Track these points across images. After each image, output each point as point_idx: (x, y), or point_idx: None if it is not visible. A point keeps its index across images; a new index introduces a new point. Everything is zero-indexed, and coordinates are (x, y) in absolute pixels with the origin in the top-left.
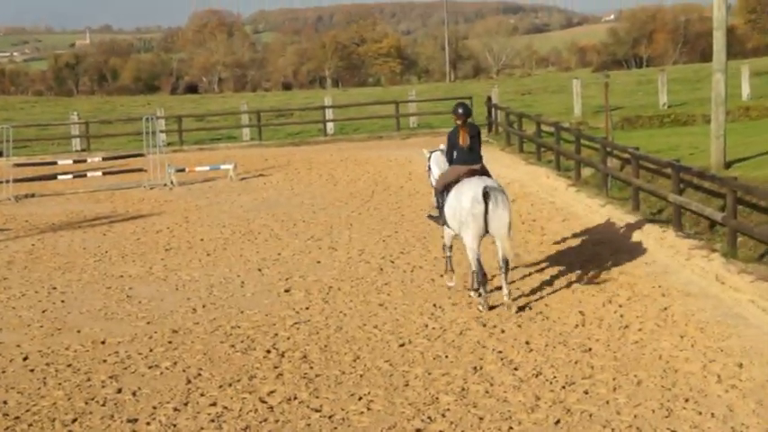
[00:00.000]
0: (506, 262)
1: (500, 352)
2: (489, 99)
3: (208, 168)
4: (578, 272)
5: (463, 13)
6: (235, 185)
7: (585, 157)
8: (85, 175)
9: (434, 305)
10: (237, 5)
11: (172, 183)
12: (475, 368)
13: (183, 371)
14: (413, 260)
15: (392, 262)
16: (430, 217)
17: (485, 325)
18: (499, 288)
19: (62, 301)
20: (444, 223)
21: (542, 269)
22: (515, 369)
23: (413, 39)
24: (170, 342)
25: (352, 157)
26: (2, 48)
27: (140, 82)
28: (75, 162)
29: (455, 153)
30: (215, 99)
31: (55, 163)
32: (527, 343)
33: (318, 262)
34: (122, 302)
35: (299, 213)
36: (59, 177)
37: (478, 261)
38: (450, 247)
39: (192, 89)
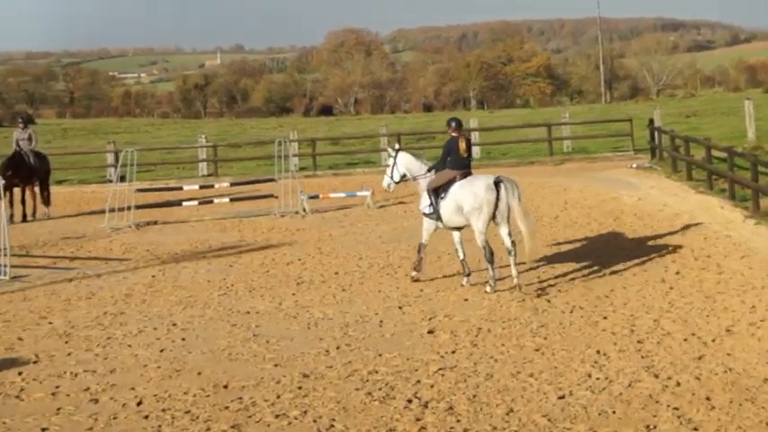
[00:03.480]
0: (513, 247)
1: (676, 409)
2: (651, 122)
3: (343, 195)
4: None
5: (618, 30)
6: (372, 214)
7: (764, 186)
8: (212, 202)
9: (598, 352)
10: (376, 24)
11: (304, 210)
12: (647, 427)
13: (314, 421)
14: (572, 299)
15: (548, 301)
16: (425, 214)
17: (657, 376)
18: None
19: (182, 339)
20: (438, 218)
21: (720, 312)
22: (695, 429)
23: (564, 58)
24: (299, 388)
25: None
26: (130, 69)
27: (272, 104)
28: (201, 188)
29: (449, 160)
30: (351, 121)
31: (180, 188)
32: (708, 399)
33: (466, 300)
34: (248, 342)
35: (444, 245)
36: (184, 204)
37: (488, 243)
38: (426, 245)
39: (327, 111)
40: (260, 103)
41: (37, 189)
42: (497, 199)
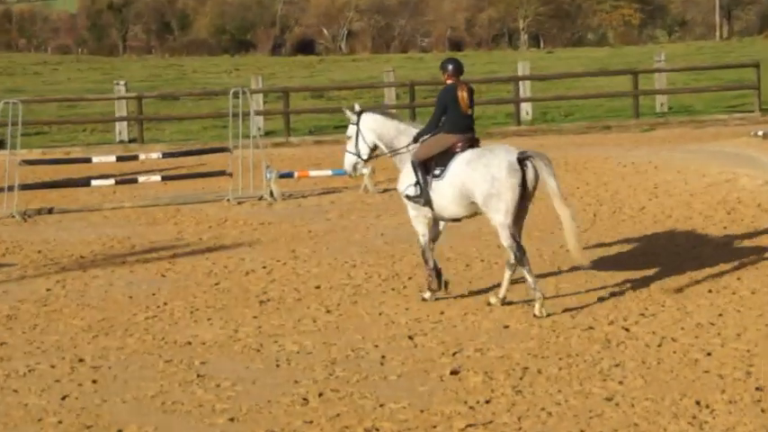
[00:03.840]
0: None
1: None
2: None
3: (329, 173)
4: None
5: None
6: (372, 201)
7: None
8: (136, 181)
9: (698, 403)
10: None
11: (272, 195)
12: None
13: None
14: (661, 327)
15: (626, 330)
16: (408, 197)
17: None
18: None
19: (93, 382)
20: (428, 203)
21: None
22: None
23: None
24: None
25: (561, 157)
26: None
27: (224, 35)
28: (119, 159)
29: (445, 119)
30: (342, 64)
31: (88, 160)
32: None
33: (506, 327)
34: (190, 385)
35: (475, 246)
36: (93, 183)
37: (516, 239)
38: (433, 247)
39: (307, 48)
40: (206, 33)
41: None
42: (523, 183)
